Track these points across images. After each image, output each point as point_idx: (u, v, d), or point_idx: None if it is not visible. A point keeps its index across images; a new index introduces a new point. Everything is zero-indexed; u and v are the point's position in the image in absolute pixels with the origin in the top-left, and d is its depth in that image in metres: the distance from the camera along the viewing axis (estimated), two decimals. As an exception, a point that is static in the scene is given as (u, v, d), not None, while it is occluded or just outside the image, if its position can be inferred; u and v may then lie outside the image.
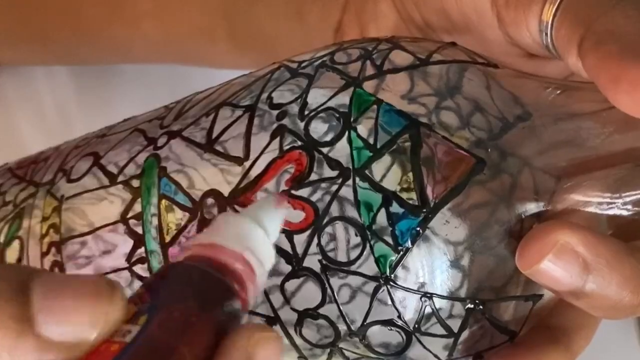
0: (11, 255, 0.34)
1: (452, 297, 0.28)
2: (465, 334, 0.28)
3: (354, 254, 0.27)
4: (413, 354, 0.28)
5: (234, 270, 0.24)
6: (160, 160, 0.31)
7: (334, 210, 0.27)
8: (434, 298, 0.27)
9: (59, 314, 0.21)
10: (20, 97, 0.52)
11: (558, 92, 0.29)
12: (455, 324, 0.28)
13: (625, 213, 0.29)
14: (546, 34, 0.30)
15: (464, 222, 0.27)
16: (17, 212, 0.35)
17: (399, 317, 0.28)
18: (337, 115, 0.28)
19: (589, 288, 0.27)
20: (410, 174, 0.27)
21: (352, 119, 0.28)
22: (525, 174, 0.28)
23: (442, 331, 0.28)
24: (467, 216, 0.27)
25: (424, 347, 0.28)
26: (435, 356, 0.29)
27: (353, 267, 0.27)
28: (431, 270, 0.27)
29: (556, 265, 0.27)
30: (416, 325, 0.28)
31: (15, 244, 0.34)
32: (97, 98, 0.51)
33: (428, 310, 0.28)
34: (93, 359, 0.21)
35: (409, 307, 0.28)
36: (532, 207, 0.28)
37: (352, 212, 0.27)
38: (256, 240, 0.25)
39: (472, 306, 0.28)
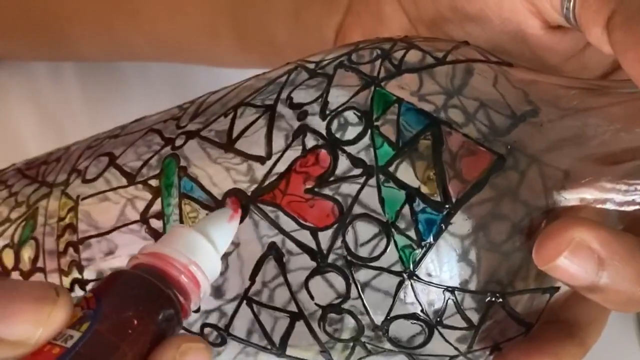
0: (26, 255, 0.34)
1: (473, 290, 0.28)
2: (484, 327, 0.29)
3: (378, 250, 0.28)
4: (432, 348, 0.29)
5: (178, 281, 0.26)
6: (179, 160, 0.31)
7: (358, 207, 0.28)
8: (456, 292, 0.28)
9: (5, 314, 0.24)
10: (20, 94, 0.52)
11: (570, 90, 0.30)
12: (474, 317, 0.29)
13: (636, 207, 0.29)
14: (569, 1, 0.30)
15: (473, 218, 0.28)
16: (30, 212, 0.35)
17: (422, 311, 0.28)
18: (359, 114, 0.29)
19: (603, 283, 0.28)
20: (433, 171, 0.28)
21: (373, 118, 0.29)
22: (534, 170, 0.29)
23: (463, 324, 0.29)
24: (477, 212, 0.28)
25: (445, 340, 0.29)
26: (456, 349, 0.29)
27: (377, 263, 0.28)
28: (445, 264, 0.28)
29: (572, 262, 0.27)
30: (438, 319, 0.28)
31: (31, 244, 0.34)
32: (99, 97, 0.51)
33: (450, 303, 0.28)
34: (36, 359, 0.24)
35: (432, 301, 0.28)
36: (541, 204, 0.29)
37: (375, 208, 0.28)
38: (203, 253, 0.27)
39: (492, 299, 0.29)
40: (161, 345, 0.25)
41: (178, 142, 0.32)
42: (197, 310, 0.30)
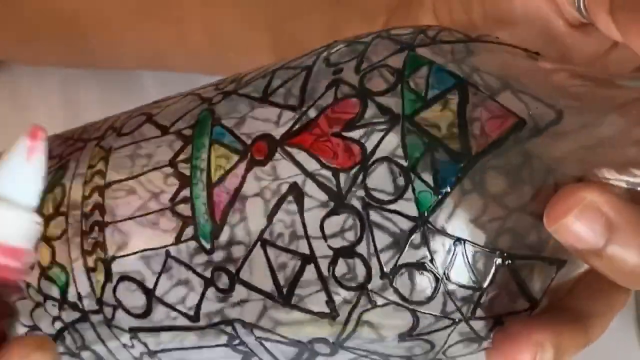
0: (51, 202, 0.35)
1: (484, 246, 0.29)
2: (490, 291, 0.30)
3: (395, 194, 0.29)
4: (435, 306, 0.30)
5: None
6: (214, 113, 0.33)
7: (381, 152, 0.29)
8: (466, 245, 0.29)
9: None
10: (36, 98, 0.53)
11: (588, 84, 0.32)
12: (482, 276, 0.29)
13: None
14: None
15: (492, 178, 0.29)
16: (62, 163, 0.36)
17: (431, 261, 0.29)
18: (392, 71, 0.30)
19: (610, 250, 0.28)
20: (456, 125, 0.29)
21: (405, 74, 0.30)
22: (548, 172, 0.30)
23: (470, 281, 0.29)
24: (496, 171, 0.29)
25: (450, 297, 0.29)
26: (459, 310, 0.30)
27: (393, 206, 0.29)
28: (458, 215, 0.29)
29: (580, 222, 0.28)
30: (445, 271, 0.29)
31: (58, 190, 0.35)
32: (115, 101, 0.52)
33: (459, 256, 0.29)
34: None
35: (441, 250, 0.29)
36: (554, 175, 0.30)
37: (398, 154, 0.29)
38: (8, 224, 0.25)
39: (501, 260, 0.29)
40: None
41: (215, 100, 0.34)
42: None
